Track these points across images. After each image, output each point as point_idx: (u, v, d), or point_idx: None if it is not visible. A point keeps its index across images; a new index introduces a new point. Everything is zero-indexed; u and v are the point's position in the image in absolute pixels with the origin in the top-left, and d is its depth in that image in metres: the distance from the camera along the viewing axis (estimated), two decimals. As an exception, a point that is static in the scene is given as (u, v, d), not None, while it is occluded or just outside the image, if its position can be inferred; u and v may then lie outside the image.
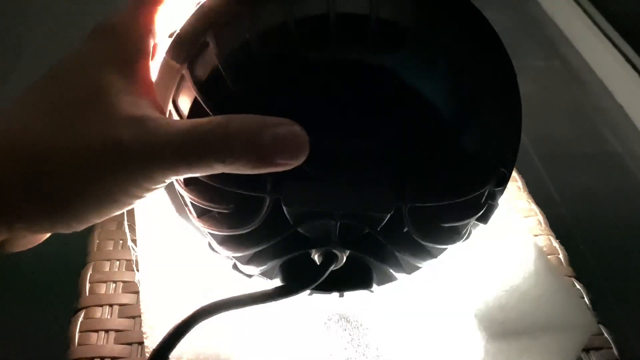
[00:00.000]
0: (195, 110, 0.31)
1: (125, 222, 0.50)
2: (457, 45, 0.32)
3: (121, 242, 0.51)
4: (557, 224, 0.56)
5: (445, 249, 0.36)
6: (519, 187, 0.57)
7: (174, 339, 0.32)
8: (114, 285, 0.47)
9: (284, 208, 0.32)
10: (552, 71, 1.87)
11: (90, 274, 0.48)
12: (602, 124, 1.68)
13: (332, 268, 0.34)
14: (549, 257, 0.50)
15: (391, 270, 0.37)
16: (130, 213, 0.50)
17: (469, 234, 0.37)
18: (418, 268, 0.37)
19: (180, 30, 0.33)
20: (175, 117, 0.32)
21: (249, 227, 0.33)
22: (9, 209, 0.28)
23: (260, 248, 0.34)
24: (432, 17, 0.32)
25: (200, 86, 0.31)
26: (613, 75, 1.78)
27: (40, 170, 0.28)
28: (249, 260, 0.36)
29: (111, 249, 0.50)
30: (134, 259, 0.49)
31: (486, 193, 0.34)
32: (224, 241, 0.35)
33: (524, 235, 0.50)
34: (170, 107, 0.32)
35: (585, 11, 1.96)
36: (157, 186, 0.29)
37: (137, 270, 0.47)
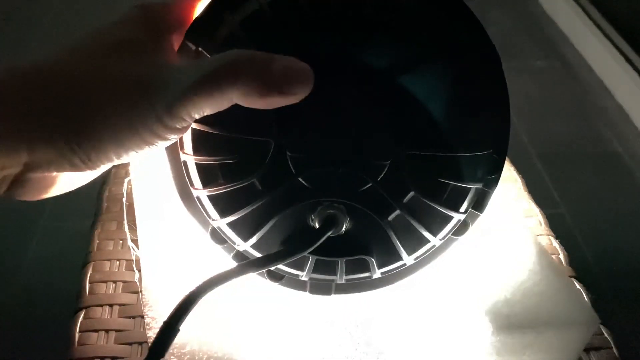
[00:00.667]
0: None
1: (125, 222, 0.50)
2: (443, 25, 0.35)
3: (121, 242, 0.51)
4: (557, 224, 0.57)
5: (444, 223, 0.37)
6: (519, 187, 0.57)
7: (183, 310, 0.32)
8: (114, 285, 0.47)
9: (287, 155, 0.34)
10: (552, 71, 1.88)
11: (91, 273, 0.48)
12: (602, 123, 1.68)
13: (330, 233, 0.35)
14: (550, 257, 0.50)
15: (391, 239, 0.37)
16: (130, 213, 0.50)
17: (468, 225, 0.38)
18: (419, 245, 0.38)
19: (198, 16, 0.35)
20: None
21: (255, 175, 0.35)
22: (33, 126, 0.29)
23: (263, 200, 0.35)
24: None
25: (219, 50, 0.33)
26: (613, 74, 1.78)
27: (67, 94, 0.29)
28: (250, 226, 0.36)
29: (111, 248, 0.50)
30: (133, 258, 0.49)
31: (481, 165, 0.36)
32: (228, 205, 0.36)
33: (526, 233, 0.50)
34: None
35: (584, 10, 1.96)
36: (176, 124, 0.30)
37: (137, 270, 0.47)
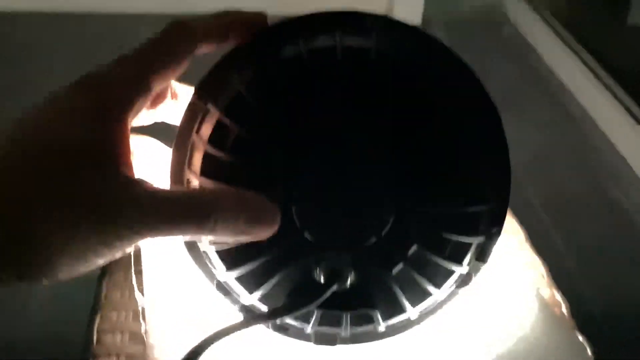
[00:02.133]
0: (216, 134, 0.35)
1: (133, 272, 0.51)
2: (443, 81, 0.36)
3: (128, 292, 0.51)
4: (562, 275, 0.57)
5: (448, 276, 0.38)
6: (522, 239, 0.58)
7: None
8: (122, 335, 0.48)
9: (293, 209, 0.35)
10: (554, 122, 1.89)
11: (99, 323, 0.49)
12: (605, 174, 1.68)
13: (335, 287, 0.36)
14: (553, 309, 0.51)
15: (395, 292, 0.37)
16: (138, 263, 0.51)
17: (471, 276, 0.39)
18: (423, 298, 0.38)
19: (205, 75, 0.36)
20: (199, 146, 0.35)
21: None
22: None
23: (269, 254, 0.36)
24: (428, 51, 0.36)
25: (226, 109, 0.35)
26: (615, 126, 1.80)
27: (19, 219, 0.28)
28: (256, 279, 0.37)
29: (119, 297, 0.51)
30: (140, 309, 0.49)
31: (483, 218, 0.37)
32: (234, 259, 0.37)
33: (529, 285, 0.51)
34: (194, 137, 0.35)
35: (586, 64, 1.99)
36: (131, 247, 0.30)
37: (144, 321, 0.47)
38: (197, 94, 0.36)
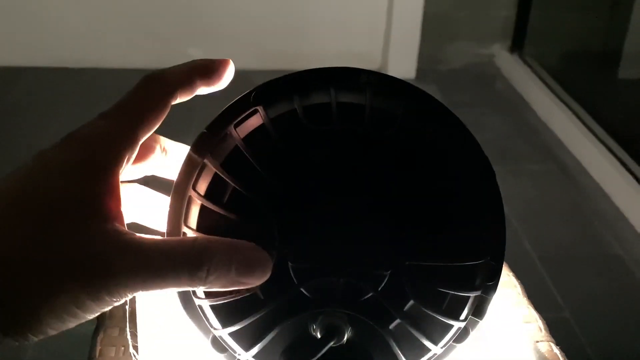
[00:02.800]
0: (212, 189, 0.35)
1: (128, 329, 0.50)
2: (437, 138, 0.36)
3: (123, 348, 0.51)
4: (561, 328, 0.57)
5: (445, 331, 0.37)
6: (519, 293, 0.58)
7: None
8: (115, 393, 0.47)
9: (289, 265, 0.35)
10: (549, 175, 1.91)
11: (92, 381, 0.48)
12: (601, 226, 1.69)
13: (332, 343, 0.36)
14: (550, 363, 0.50)
15: (392, 348, 0.37)
16: (132, 319, 0.50)
17: (468, 331, 0.38)
18: (420, 354, 0.38)
19: (202, 131, 0.36)
20: (196, 201, 0.36)
21: (257, 286, 0.35)
22: None
23: (265, 310, 0.36)
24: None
25: (222, 164, 0.35)
26: (609, 178, 1.81)
27: (2, 275, 0.28)
28: (252, 335, 0.37)
29: (113, 355, 0.50)
30: (135, 366, 0.48)
31: (479, 272, 0.37)
32: (230, 314, 0.36)
33: (526, 339, 0.50)
34: (191, 192, 0.36)
35: (578, 117, 2.01)
36: (121, 300, 0.30)
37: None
38: (195, 149, 0.36)
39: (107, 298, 0.29)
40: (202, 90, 0.36)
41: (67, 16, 2.26)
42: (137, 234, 0.31)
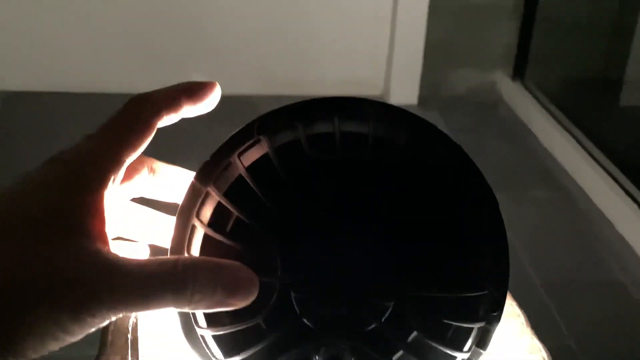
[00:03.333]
0: (216, 218, 0.35)
1: (129, 357, 0.50)
2: (440, 168, 0.36)
3: (124, 377, 0.50)
4: (565, 356, 0.56)
5: None
6: (522, 323, 0.57)
7: None
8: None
9: (292, 295, 0.34)
10: (551, 201, 1.91)
11: (92, 410, 0.48)
12: (604, 253, 1.68)
13: None
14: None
15: None
16: (134, 347, 0.50)
17: None
18: None
19: (206, 159, 0.36)
20: (199, 229, 0.36)
21: (260, 316, 0.35)
22: None
23: (268, 340, 0.35)
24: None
25: (226, 193, 0.35)
26: (611, 205, 1.81)
27: None
28: None
29: (114, 384, 0.50)
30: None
31: (483, 303, 0.36)
32: (232, 345, 0.36)
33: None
34: (194, 221, 0.36)
35: (580, 143, 2.02)
36: (105, 322, 0.29)
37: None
38: (198, 177, 0.36)
39: (88, 319, 0.29)
40: (188, 110, 0.36)
41: (71, 41, 2.28)
42: (121, 255, 0.31)
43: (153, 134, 0.35)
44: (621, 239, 1.73)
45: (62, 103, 2.23)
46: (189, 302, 0.31)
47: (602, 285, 1.58)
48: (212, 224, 0.36)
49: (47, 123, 2.12)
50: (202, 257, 0.34)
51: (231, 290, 0.32)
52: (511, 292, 0.58)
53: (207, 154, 0.37)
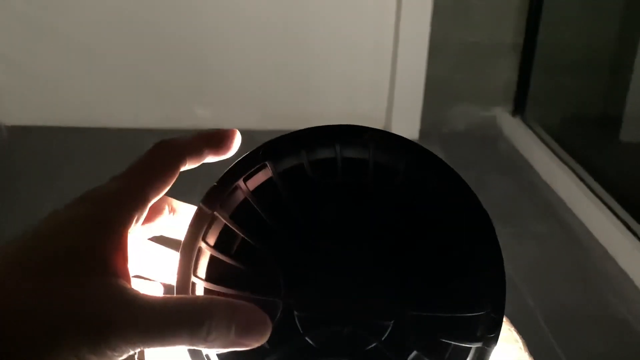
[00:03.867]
0: (221, 240, 0.37)
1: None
2: (438, 192, 0.38)
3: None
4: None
5: None
6: (520, 348, 0.58)
7: None
8: None
9: (295, 314, 0.36)
10: (552, 235, 1.91)
11: None
12: (606, 288, 1.68)
13: None
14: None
15: None
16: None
17: None
18: None
19: (212, 185, 0.38)
20: (205, 252, 0.37)
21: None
22: None
23: (271, 359, 0.36)
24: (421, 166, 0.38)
25: (232, 216, 0.37)
26: (613, 240, 1.81)
27: (5, 333, 0.28)
28: None
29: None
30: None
31: (481, 323, 0.37)
32: None
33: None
34: (201, 243, 0.37)
35: (580, 179, 2.02)
36: (123, 356, 0.31)
37: None
38: (205, 201, 0.37)
39: (108, 352, 0.30)
40: (210, 158, 0.39)
41: (75, 76, 2.31)
42: (141, 292, 0.32)
43: (176, 177, 0.37)
44: (623, 273, 1.73)
45: (67, 137, 2.25)
46: (205, 340, 0.32)
47: (602, 319, 1.57)
48: (218, 246, 0.37)
49: (53, 156, 2.14)
50: (219, 297, 0.35)
51: (245, 330, 0.33)
52: (509, 321, 0.59)
53: (210, 184, 0.38)
